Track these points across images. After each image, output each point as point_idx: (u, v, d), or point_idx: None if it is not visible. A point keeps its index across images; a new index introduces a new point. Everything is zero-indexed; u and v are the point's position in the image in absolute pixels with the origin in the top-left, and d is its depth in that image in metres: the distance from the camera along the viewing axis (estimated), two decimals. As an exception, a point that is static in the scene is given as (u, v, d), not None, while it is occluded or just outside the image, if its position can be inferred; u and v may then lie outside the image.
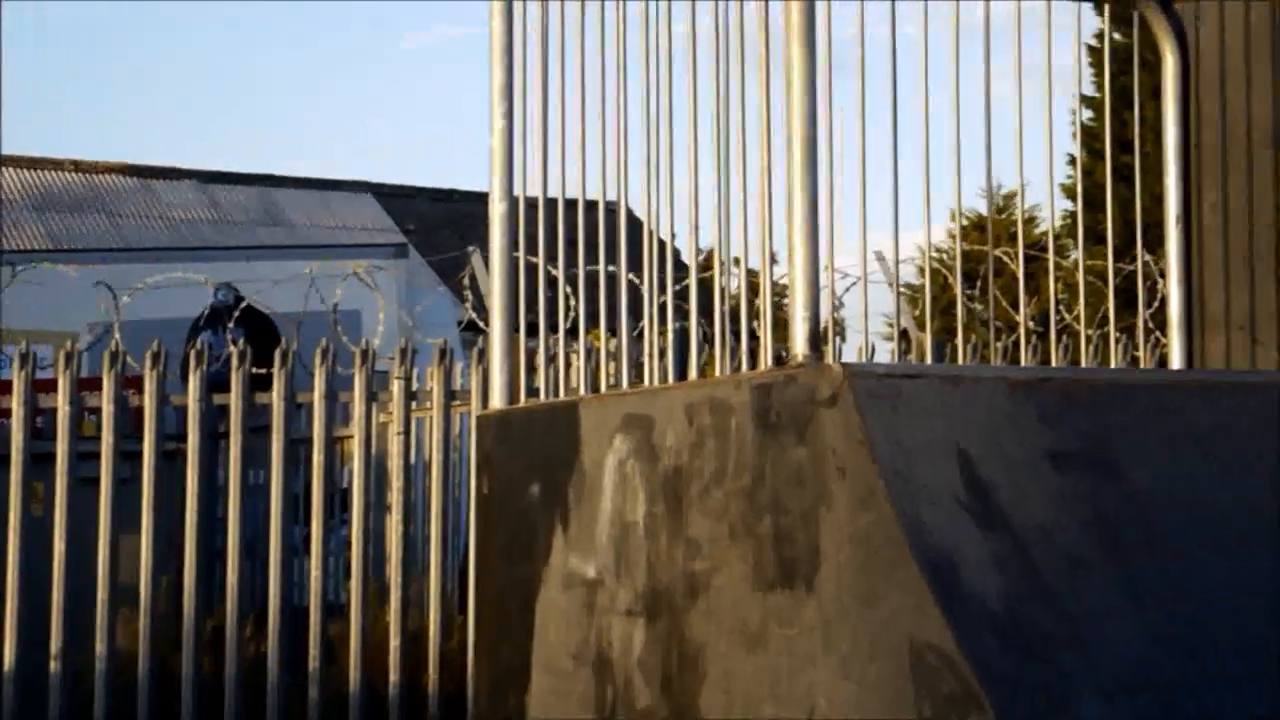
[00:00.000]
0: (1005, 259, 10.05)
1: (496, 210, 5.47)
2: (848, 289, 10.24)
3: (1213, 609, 4.21)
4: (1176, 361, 6.22)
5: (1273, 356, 6.05)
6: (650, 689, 4.71)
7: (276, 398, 8.73)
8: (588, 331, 5.35)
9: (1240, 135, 6.14)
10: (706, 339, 6.45)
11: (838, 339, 12.05)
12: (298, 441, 9.05)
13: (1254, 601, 4.29)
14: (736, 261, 4.96)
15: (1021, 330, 5.97)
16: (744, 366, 5.14)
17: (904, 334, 12.34)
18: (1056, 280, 6.05)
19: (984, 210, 24.85)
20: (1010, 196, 22.87)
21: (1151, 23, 6.15)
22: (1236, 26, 6.17)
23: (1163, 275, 6.31)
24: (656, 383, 5.25)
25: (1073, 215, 20.65)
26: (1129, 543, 4.25)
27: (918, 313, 12.23)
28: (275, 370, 8.72)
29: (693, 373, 5.20)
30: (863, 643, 4.06)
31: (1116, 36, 6.44)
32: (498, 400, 5.56)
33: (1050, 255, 5.89)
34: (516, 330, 5.55)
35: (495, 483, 5.53)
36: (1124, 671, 4.03)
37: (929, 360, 6.58)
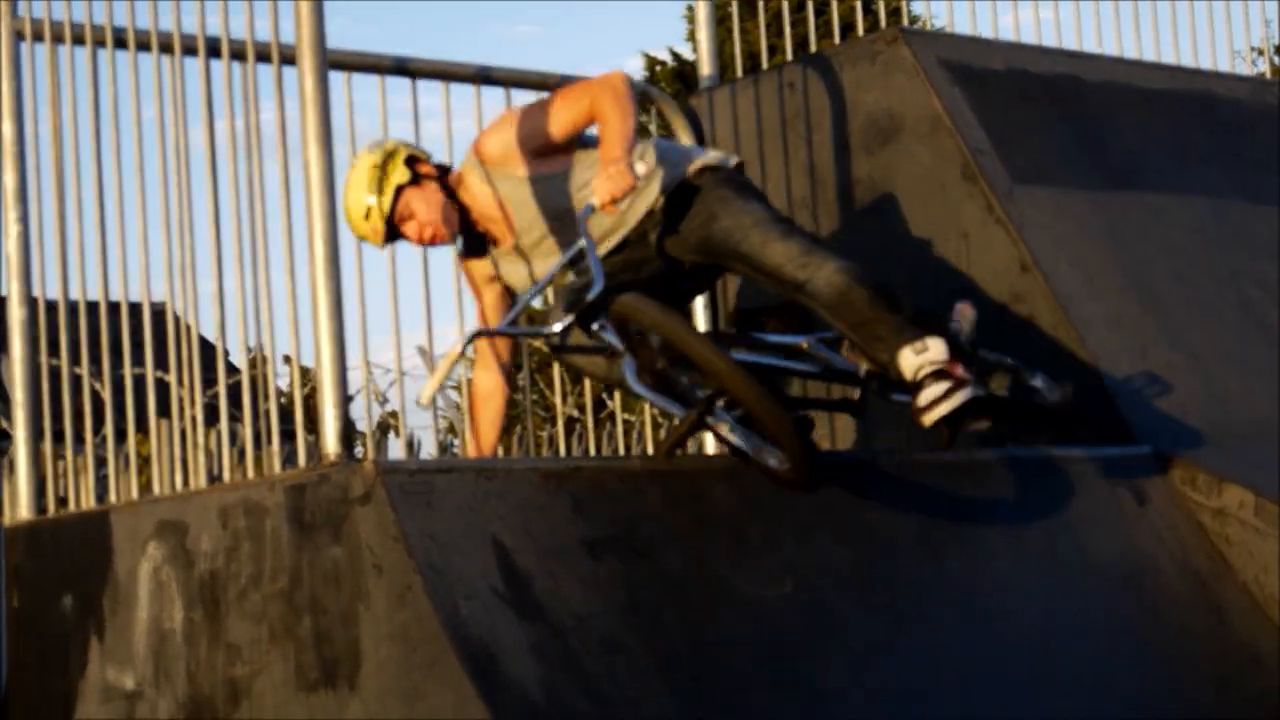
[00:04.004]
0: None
1: (15, 316, 5.32)
2: (391, 384, 10.29)
3: (748, 685, 4.32)
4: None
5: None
6: (192, 802, 4.60)
7: None
8: (125, 437, 5.23)
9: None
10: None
11: (390, 434, 12.04)
12: None
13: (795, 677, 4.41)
14: (287, 360, 4.91)
15: (559, 420, 6.06)
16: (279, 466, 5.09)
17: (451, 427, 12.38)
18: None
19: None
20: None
21: (668, 116, 6.33)
22: (749, 116, 6.40)
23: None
24: (194, 486, 5.16)
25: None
26: (663, 623, 4.33)
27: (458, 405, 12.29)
28: None
29: (227, 475, 5.12)
30: (406, 740, 4.05)
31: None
32: (25, 511, 5.39)
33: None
34: (42, 438, 5.39)
35: (27, 596, 5.36)
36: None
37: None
